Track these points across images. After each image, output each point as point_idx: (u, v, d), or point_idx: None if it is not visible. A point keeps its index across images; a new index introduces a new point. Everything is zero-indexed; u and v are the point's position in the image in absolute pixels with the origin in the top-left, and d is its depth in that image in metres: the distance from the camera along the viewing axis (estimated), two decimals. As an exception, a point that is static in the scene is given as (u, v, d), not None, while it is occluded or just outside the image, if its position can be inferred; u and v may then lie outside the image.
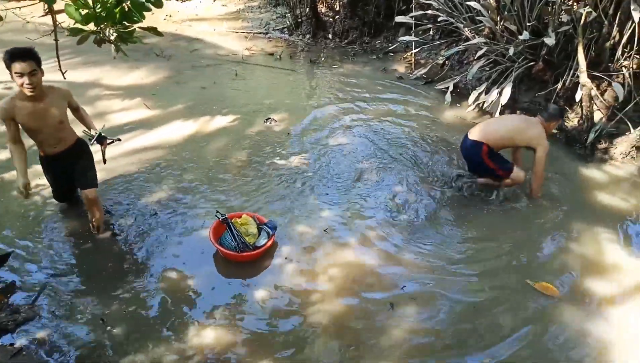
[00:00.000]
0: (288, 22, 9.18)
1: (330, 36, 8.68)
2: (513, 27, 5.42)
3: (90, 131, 3.58)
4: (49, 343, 2.82)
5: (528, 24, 5.38)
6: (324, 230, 3.77)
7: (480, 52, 5.64)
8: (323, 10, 9.26)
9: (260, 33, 9.09)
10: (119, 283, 3.28)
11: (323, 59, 7.84)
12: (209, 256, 3.50)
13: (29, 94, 3.14)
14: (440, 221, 3.92)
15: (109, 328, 2.91)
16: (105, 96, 6.11)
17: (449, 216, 3.98)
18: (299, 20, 8.99)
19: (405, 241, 3.70)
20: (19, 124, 3.30)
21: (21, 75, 3.06)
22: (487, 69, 6.14)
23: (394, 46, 7.69)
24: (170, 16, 9.85)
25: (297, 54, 8.11)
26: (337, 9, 9.03)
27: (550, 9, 5.22)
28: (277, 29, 9.23)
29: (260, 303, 3.14)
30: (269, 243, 3.47)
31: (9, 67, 3.07)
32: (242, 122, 5.56)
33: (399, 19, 7.10)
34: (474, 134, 4.14)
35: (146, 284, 3.27)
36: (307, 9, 8.79)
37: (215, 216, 3.50)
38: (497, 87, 5.51)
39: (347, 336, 2.91)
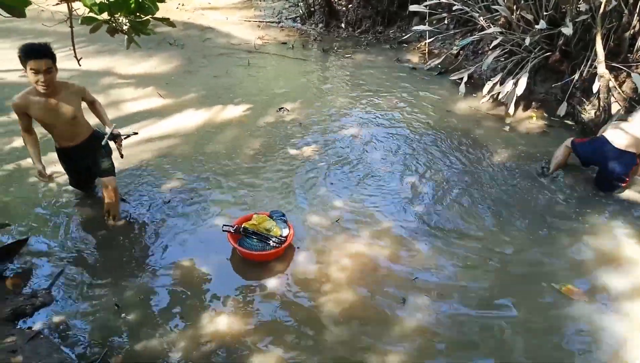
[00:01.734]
0: (301, 11, 9.15)
1: (343, 25, 8.63)
2: (530, 17, 5.33)
3: (105, 128, 3.59)
4: (65, 327, 2.85)
5: (545, 13, 5.28)
6: (336, 221, 3.76)
7: (495, 42, 5.56)
8: (336, -1, 9.21)
9: (272, 22, 9.06)
10: (133, 270, 3.31)
11: (335, 48, 7.79)
12: (221, 245, 3.49)
13: (42, 91, 3.16)
14: (455, 215, 3.87)
15: (123, 315, 2.94)
16: (118, 84, 6.14)
17: (463, 211, 3.93)
18: (312, 9, 8.95)
19: (418, 234, 3.66)
20: (36, 118, 3.32)
21: (36, 72, 3.05)
22: (503, 59, 6.06)
23: (408, 35, 7.62)
24: (182, 5, 9.85)
25: (310, 43, 8.08)
26: (350, -3, 8.97)
27: (568, -3, 5.12)
28: (290, 18, 9.20)
29: (273, 291, 3.14)
30: (292, 229, 3.49)
31: (24, 63, 3.05)
32: (255, 112, 5.56)
33: (412, 7, 7.02)
34: (623, 143, 3.95)
35: (160, 272, 3.30)
36: (320, -2, 8.75)
37: (223, 231, 3.40)
38: (513, 78, 5.43)
39: (359, 327, 2.90)
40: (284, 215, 3.61)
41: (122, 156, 3.78)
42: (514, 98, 5.32)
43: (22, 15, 2.59)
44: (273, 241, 3.36)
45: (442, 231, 3.70)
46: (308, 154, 4.68)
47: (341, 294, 3.13)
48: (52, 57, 3.11)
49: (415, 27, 7.35)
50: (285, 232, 3.47)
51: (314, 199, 4.03)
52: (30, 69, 3.04)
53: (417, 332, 2.87)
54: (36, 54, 3.02)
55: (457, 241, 3.59)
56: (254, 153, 4.69)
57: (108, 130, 3.57)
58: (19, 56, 3.05)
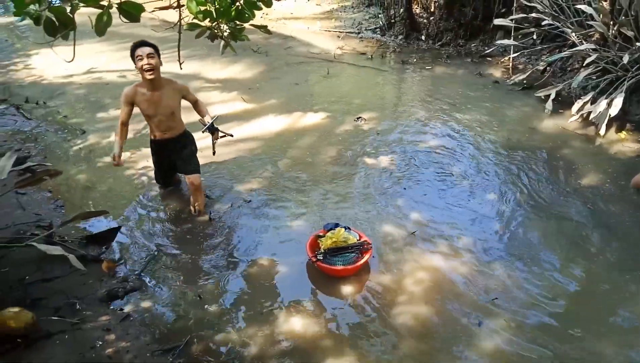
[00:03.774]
0: (381, 23, 9.19)
1: (423, 37, 8.57)
2: (630, 33, 5.03)
3: (204, 119, 3.82)
4: (152, 312, 3.04)
5: (647, 30, 4.97)
6: (412, 233, 3.73)
7: (589, 59, 5.28)
8: (417, 11, 9.15)
9: (352, 33, 9.17)
10: (214, 263, 3.48)
11: (415, 60, 7.75)
12: (297, 247, 3.57)
13: (148, 76, 3.48)
14: (537, 239, 3.70)
15: (205, 306, 3.09)
16: (206, 87, 6.49)
17: (547, 235, 3.73)
18: (392, 20, 8.96)
19: (497, 254, 3.53)
20: (140, 108, 3.69)
21: (141, 58, 3.45)
22: (594, 77, 5.76)
23: (491, 49, 7.44)
24: (266, 14, 10.21)
25: (389, 54, 8.10)
26: (432, 10, 8.88)
27: (675, 14, 4.79)
28: (370, 29, 9.27)
29: (347, 297, 3.17)
30: (360, 232, 3.55)
31: (133, 55, 3.49)
32: (332, 120, 5.65)
33: (497, 21, 6.86)
34: None
35: (239, 267, 3.44)
36: (402, 10, 8.73)
37: (313, 262, 3.32)
38: (606, 98, 5.14)
39: (432, 343, 2.84)
40: (337, 224, 3.60)
41: (214, 153, 3.99)
42: (607, 119, 5.03)
43: (137, 20, 2.83)
44: (358, 248, 3.38)
45: (523, 254, 3.53)
46: (385, 165, 4.68)
47: (416, 307, 3.09)
48: (155, 49, 3.54)
49: (499, 41, 7.17)
50: (356, 236, 3.49)
51: (390, 210, 4.02)
52: (137, 56, 3.47)
53: (492, 358, 2.76)
54: (140, 44, 3.51)
55: (538, 267, 3.41)
56: (331, 160, 4.76)
57: (209, 119, 3.78)
58: (131, 50, 3.50)
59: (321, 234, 3.53)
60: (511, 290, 3.20)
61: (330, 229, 3.55)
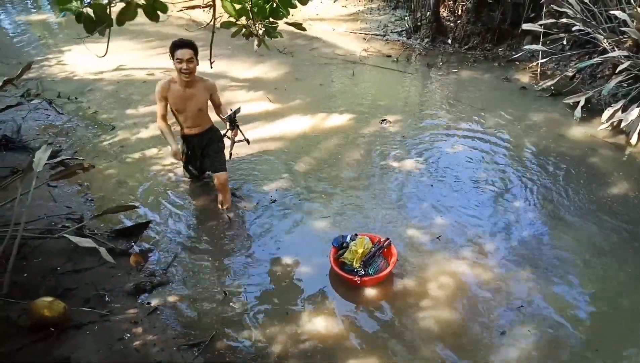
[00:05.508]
0: (407, 25, 9.14)
1: (449, 41, 8.49)
2: (665, 41, 4.93)
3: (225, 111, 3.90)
4: (178, 307, 3.10)
5: (683, 38, 4.86)
6: (437, 237, 3.72)
7: (622, 67, 5.18)
8: (444, 14, 9.07)
9: (378, 35, 9.14)
10: (239, 261, 3.53)
11: (441, 63, 7.69)
12: (320, 249, 3.59)
13: (184, 79, 3.55)
14: (565, 247, 3.65)
15: (230, 303, 3.13)
16: (232, 87, 6.56)
17: (575, 244, 3.69)
18: (419, 23, 8.90)
19: (523, 261, 3.50)
20: (169, 103, 3.74)
21: (180, 61, 3.48)
22: (625, 85, 5.64)
23: (519, 54, 7.34)
24: (292, 15, 10.24)
25: (414, 57, 8.05)
26: (460, 13, 8.80)
27: None
28: (395, 32, 9.22)
29: (370, 299, 3.19)
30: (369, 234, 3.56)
31: (172, 54, 3.52)
32: (357, 122, 5.65)
33: (526, 26, 6.77)
34: None
35: (264, 266, 3.48)
36: (429, 13, 8.67)
37: (357, 281, 3.21)
38: (638, 106, 5.03)
39: (454, 349, 2.84)
40: (344, 236, 3.55)
41: (230, 156, 4.04)
42: (638, 127, 4.93)
43: (156, 19, 2.91)
44: (381, 249, 3.39)
45: (548, 264, 3.49)
46: (409, 168, 4.67)
47: (439, 312, 3.09)
48: (195, 50, 3.54)
49: (527, 46, 7.07)
50: (368, 239, 3.48)
51: (415, 214, 4.01)
52: (176, 58, 3.49)
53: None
54: (181, 45, 3.49)
55: (564, 278, 3.38)
56: (356, 162, 4.77)
57: (231, 110, 3.85)
58: (170, 49, 3.52)
59: (338, 252, 3.46)
60: (536, 301, 3.18)
61: (342, 243, 3.49)
